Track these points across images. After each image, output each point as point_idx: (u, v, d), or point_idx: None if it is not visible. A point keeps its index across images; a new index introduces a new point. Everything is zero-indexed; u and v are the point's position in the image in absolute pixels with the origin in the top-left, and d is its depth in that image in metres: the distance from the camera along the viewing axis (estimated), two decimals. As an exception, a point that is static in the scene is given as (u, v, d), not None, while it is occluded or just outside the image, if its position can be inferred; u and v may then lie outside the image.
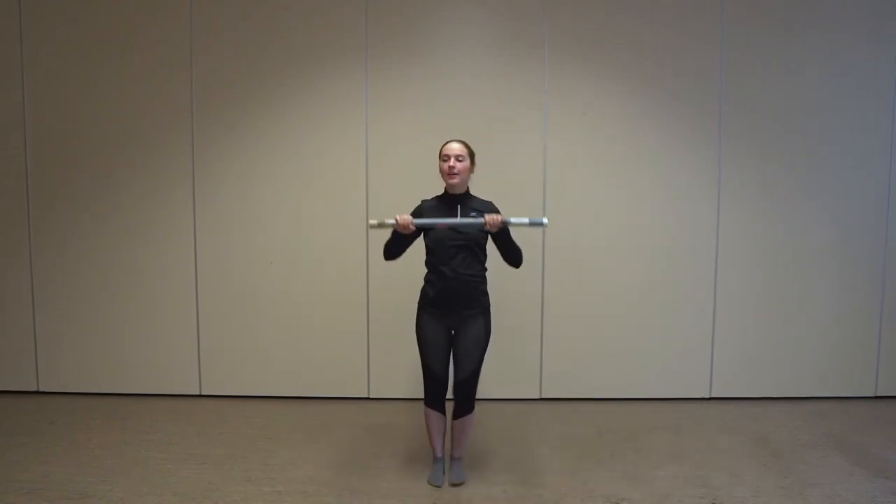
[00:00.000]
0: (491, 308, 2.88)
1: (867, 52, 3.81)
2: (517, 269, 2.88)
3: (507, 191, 3.72)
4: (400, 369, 3.92)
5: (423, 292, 2.87)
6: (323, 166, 3.87)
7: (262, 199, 3.88)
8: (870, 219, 3.89)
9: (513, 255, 2.83)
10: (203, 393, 3.98)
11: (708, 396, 3.97)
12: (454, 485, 2.84)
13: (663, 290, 3.91)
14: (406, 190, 3.82)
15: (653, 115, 3.83)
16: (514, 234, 2.83)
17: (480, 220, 2.69)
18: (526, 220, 2.72)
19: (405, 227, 2.71)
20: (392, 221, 2.73)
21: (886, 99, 3.83)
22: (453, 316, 2.81)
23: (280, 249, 3.90)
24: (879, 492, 2.79)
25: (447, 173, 2.79)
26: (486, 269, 2.87)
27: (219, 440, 3.33)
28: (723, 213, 3.88)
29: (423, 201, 2.88)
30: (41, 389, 3.99)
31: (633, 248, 3.89)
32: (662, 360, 3.94)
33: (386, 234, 2.86)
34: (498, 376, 3.88)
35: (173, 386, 3.98)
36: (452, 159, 2.78)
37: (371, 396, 3.98)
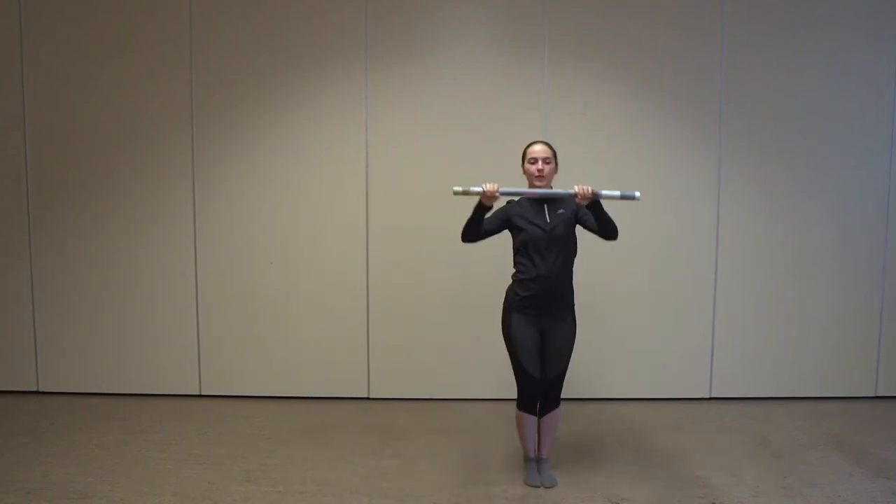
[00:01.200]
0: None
1: (867, 52, 3.81)
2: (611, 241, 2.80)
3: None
4: (400, 369, 3.92)
5: (514, 293, 2.80)
6: (323, 166, 3.87)
7: (262, 199, 3.88)
8: (870, 219, 3.89)
9: (609, 229, 2.73)
10: (203, 393, 3.98)
11: (708, 396, 3.97)
12: (549, 488, 2.82)
13: (663, 290, 3.91)
14: (406, 190, 3.85)
15: (653, 115, 3.83)
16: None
17: (571, 191, 2.64)
18: (617, 193, 2.64)
19: (492, 195, 2.62)
20: (479, 189, 2.63)
21: (886, 99, 3.83)
22: (544, 317, 2.77)
23: (280, 249, 3.90)
24: (879, 492, 2.79)
25: (536, 176, 2.77)
26: (573, 268, 2.83)
27: (219, 440, 3.33)
28: (723, 213, 3.88)
29: (508, 202, 2.84)
30: (41, 389, 3.99)
31: (633, 248, 3.88)
32: (662, 360, 3.94)
33: (466, 212, 2.73)
34: (497, 376, 3.88)
35: (173, 386, 3.98)
36: (540, 162, 2.77)
37: (371, 396, 3.98)
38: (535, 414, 2.87)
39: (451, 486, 2.83)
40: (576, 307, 2.85)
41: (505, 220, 2.79)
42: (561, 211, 2.76)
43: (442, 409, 3.75)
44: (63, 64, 3.82)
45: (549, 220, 2.74)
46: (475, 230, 2.73)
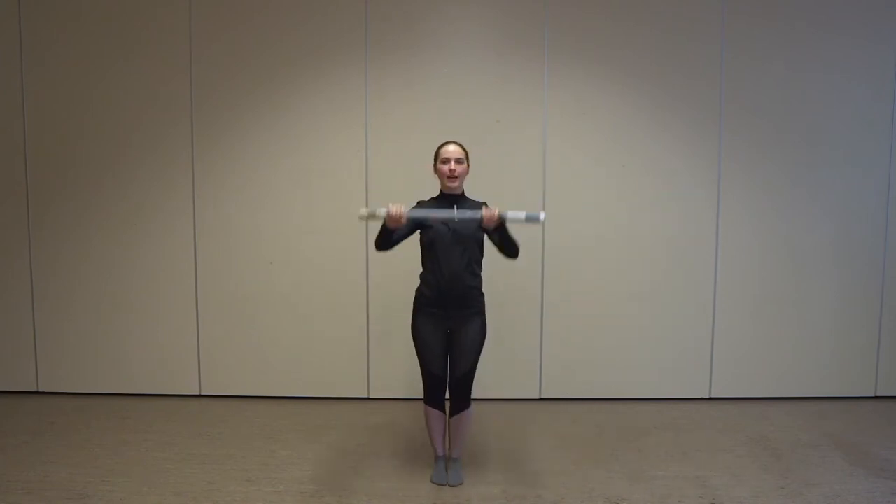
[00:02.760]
0: (486, 308, 2.88)
1: (867, 52, 3.81)
2: (515, 263, 2.86)
3: (506, 191, 3.74)
4: (399, 369, 3.92)
5: (420, 293, 2.85)
6: (322, 166, 3.87)
7: (261, 198, 3.88)
8: (869, 218, 3.89)
9: (511, 249, 2.76)
10: (203, 393, 3.98)
11: (708, 396, 3.97)
12: (453, 486, 2.84)
13: (663, 290, 3.91)
14: (406, 190, 3.83)
15: (653, 115, 3.83)
16: (512, 227, 2.80)
17: (477, 214, 2.64)
18: (522, 215, 2.61)
19: (397, 219, 2.57)
20: (383, 211, 2.58)
21: (886, 99, 3.83)
22: (450, 317, 2.80)
23: (280, 249, 3.90)
24: (879, 492, 2.79)
25: (447, 176, 2.79)
26: (482, 269, 2.85)
27: (219, 440, 3.33)
28: (723, 213, 3.88)
29: (419, 202, 2.87)
30: (41, 389, 3.99)
31: (632, 249, 3.89)
32: (662, 360, 3.94)
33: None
34: (497, 376, 3.89)
35: (173, 386, 3.98)
36: (452, 162, 2.78)
37: (371, 396, 3.98)
38: (441, 410, 2.88)
39: (452, 486, 2.83)
40: (486, 306, 2.84)
41: (415, 221, 2.77)
42: (468, 212, 2.76)
43: (442, 409, 3.75)
44: (63, 64, 3.82)
45: (456, 220, 2.73)
46: (386, 242, 2.73)
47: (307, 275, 3.91)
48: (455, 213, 2.69)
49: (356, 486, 2.83)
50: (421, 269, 2.86)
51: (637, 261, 3.89)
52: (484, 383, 3.87)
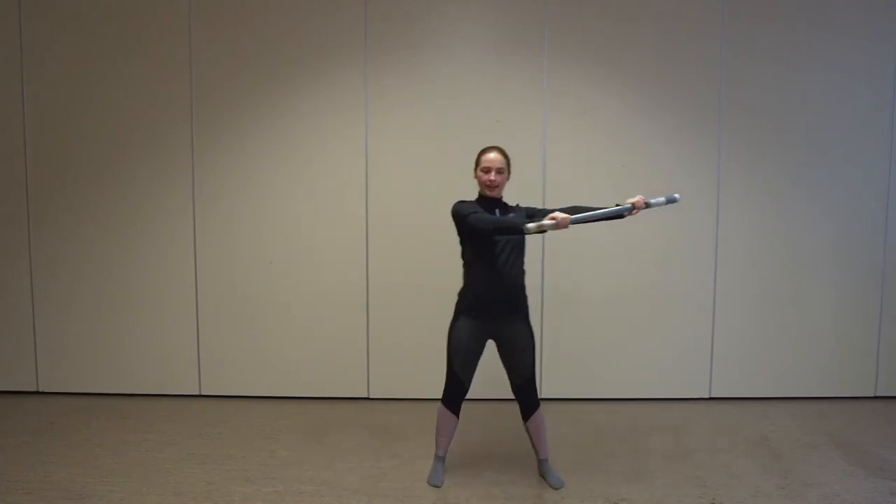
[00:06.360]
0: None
1: (867, 52, 3.81)
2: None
3: (506, 191, 3.72)
4: (400, 369, 3.92)
5: (465, 296, 2.76)
6: (323, 166, 3.87)
7: (261, 198, 3.88)
8: (869, 218, 3.89)
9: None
10: (203, 393, 3.98)
11: (708, 396, 3.97)
12: (557, 489, 2.80)
13: (663, 290, 3.91)
14: (406, 190, 3.85)
15: (653, 115, 3.84)
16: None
17: (627, 206, 2.57)
18: (663, 199, 2.66)
19: (564, 226, 2.49)
20: (551, 223, 2.49)
21: (886, 98, 3.83)
22: (495, 321, 2.75)
23: (280, 249, 3.90)
24: (879, 492, 2.79)
25: (487, 186, 2.74)
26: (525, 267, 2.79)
27: (218, 440, 3.33)
28: (722, 213, 3.88)
29: (461, 201, 2.74)
30: (41, 389, 3.99)
31: (632, 248, 3.89)
32: (662, 360, 3.94)
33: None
34: (497, 377, 3.87)
35: (173, 386, 3.98)
36: (493, 172, 2.73)
37: (371, 396, 3.98)
38: (456, 415, 2.86)
39: (451, 486, 2.83)
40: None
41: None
42: (512, 215, 2.72)
43: (442, 409, 3.75)
44: (63, 64, 3.82)
45: (608, 211, 2.64)
46: (499, 232, 2.64)
47: (307, 275, 3.91)
48: (608, 210, 2.60)
49: (356, 486, 2.83)
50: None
51: (637, 261, 3.89)
52: (483, 384, 3.87)
